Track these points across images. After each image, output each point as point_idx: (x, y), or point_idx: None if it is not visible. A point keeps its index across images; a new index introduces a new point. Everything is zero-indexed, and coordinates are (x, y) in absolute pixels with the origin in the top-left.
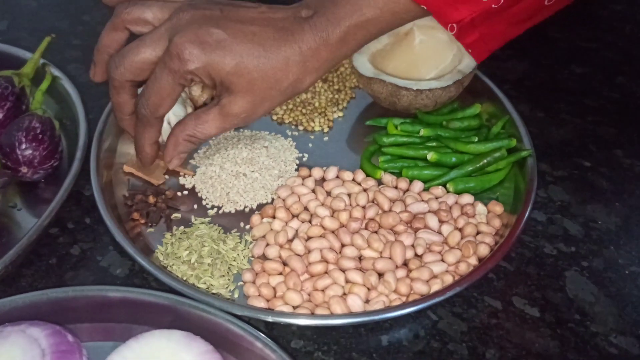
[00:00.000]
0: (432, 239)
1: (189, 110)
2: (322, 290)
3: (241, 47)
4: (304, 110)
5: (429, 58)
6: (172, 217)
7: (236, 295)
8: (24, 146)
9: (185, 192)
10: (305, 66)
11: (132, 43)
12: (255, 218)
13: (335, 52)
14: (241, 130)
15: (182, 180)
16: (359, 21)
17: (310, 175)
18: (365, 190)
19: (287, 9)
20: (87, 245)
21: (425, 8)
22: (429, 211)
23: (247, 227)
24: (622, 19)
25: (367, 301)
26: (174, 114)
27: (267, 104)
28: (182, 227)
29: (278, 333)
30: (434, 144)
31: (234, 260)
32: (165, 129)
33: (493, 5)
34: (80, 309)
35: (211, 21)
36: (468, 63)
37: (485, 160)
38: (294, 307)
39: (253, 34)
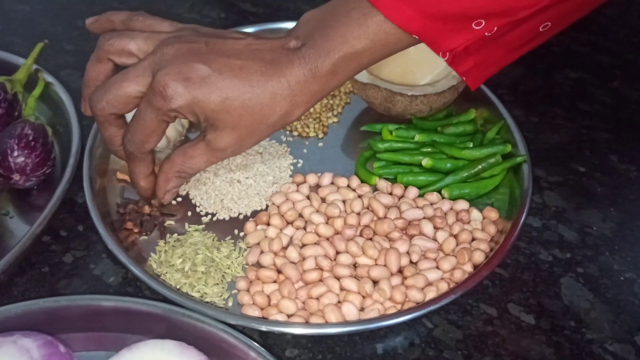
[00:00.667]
0: (427, 245)
1: (185, 122)
2: (317, 299)
3: (227, 83)
4: None
5: (423, 63)
6: (165, 224)
7: (230, 304)
8: (16, 153)
9: (179, 199)
10: (293, 100)
11: (114, 77)
12: (250, 225)
13: (325, 85)
14: None
15: None
16: (348, 53)
17: (304, 182)
18: (360, 196)
19: (275, 40)
20: (80, 253)
21: (417, 37)
22: (424, 218)
23: (242, 234)
24: (616, 24)
25: (362, 309)
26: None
27: (254, 137)
28: (175, 235)
29: (272, 342)
30: (429, 149)
31: (228, 268)
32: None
33: (486, 34)
34: (73, 318)
35: (196, 56)
36: None
37: (480, 166)
38: (289, 316)
39: (239, 68)
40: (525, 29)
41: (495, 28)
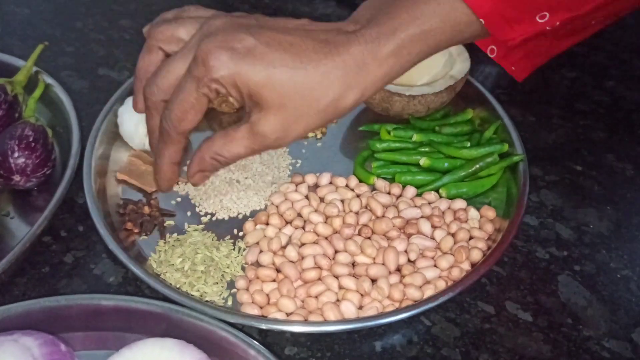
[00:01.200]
0: (425, 244)
1: None
2: (316, 297)
3: (274, 56)
4: None
5: (421, 64)
6: (165, 224)
7: (229, 303)
8: (16, 154)
9: (179, 199)
10: (348, 82)
11: (163, 62)
12: (249, 225)
13: (385, 68)
14: None
15: (175, 187)
16: (416, 32)
17: (303, 182)
18: (358, 196)
19: (332, 23)
20: (80, 253)
21: (483, 23)
22: (422, 217)
23: (241, 233)
24: (612, 23)
25: (360, 307)
26: None
27: (302, 124)
28: (175, 235)
29: (272, 340)
30: (427, 149)
31: (228, 267)
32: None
33: (547, 28)
34: (73, 317)
35: (243, 28)
36: (460, 68)
37: (477, 166)
38: (288, 314)
39: (289, 43)
40: (579, 23)
41: (558, 23)
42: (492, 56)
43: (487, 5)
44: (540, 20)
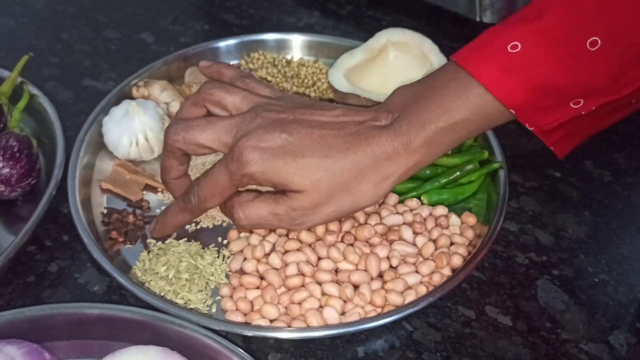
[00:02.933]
0: (407, 250)
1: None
2: (299, 303)
3: (305, 150)
4: None
5: (402, 73)
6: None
7: (214, 310)
8: (1, 165)
9: (163, 208)
10: (378, 170)
11: (201, 120)
12: (233, 233)
13: (417, 157)
14: None
15: (160, 196)
16: (446, 125)
17: None
18: None
19: (367, 112)
20: (64, 263)
21: (514, 112)
22: (404, 223)
23: (225, 241)
24: None
25: (343, 313)
26: (150, 129)
27: (332, 205)
28: (159, 243)
29: (256, 347)
30: None
31: (212, 275)
32: (143, 145)
33: (583, 112)
34: (58, 326)
35: (279, 125)
36: None
37: (458, 173)
38: (271, 321)
39: (321, 137)
40: (619, 104)
41: (593, 108)
42: (530, 129)
43: (517, 98)
44: (574, 106)
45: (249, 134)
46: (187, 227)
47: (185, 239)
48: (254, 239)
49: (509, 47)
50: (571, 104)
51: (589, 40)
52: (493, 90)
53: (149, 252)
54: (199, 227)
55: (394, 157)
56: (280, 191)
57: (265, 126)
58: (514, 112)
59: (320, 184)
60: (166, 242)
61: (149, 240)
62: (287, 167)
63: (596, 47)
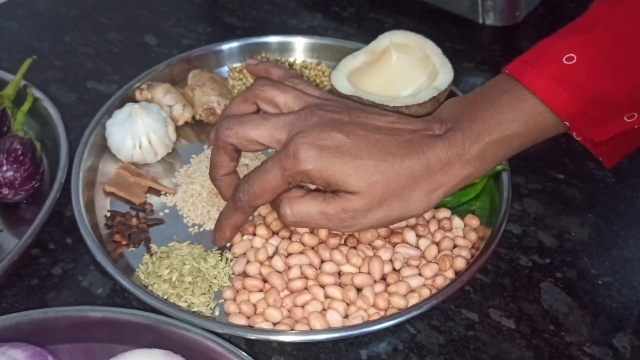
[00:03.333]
0: (410, 253)
1: (170, 129)
2: (302, 306)
3: (362, 152)
4: None
5: (405, 75)
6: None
7: (217, 313)
8: (5, 168)
9: (167, 211)
10: (431, 179)
11: (254, 115)
12: (236, 235)
13: (470, 169)
14: None
15: (163, 199)
16: (500, 137)
17: None
18: None
19: (419, 122)
20: (68, 266)
21: (568, 125)
22: (407, 226)
23: (228, 244)
24: None
25: (346, 316)
26: (153, 132)
27: (383, 210)
28: (162, 247)
29: (259, 350)
30: None
31: (215, 278)
32: (146, 148)
33: (636, 127)
34: (62, 329)
35: (336, 125)
36: (443, 79)
37: None
38: (274, 324)
39: (377, 141)
40: None
41: None
42: (578, 139)
43: (572, 109)
44: (628, 120)
45: (305, 131)
46: (190, 229)
47: (189, 241)
48: (257, 242)
49: (564, 59)
50: (625, 118)
51: None
52: (548, 101)
53: (151, 255)
54: (202, 230)
55: (448, 168)
56: (332, 191)
57: (321, 125)
58: (568, 124)
59: (376, 187)
60: (169, 244)
61: (151, 245)
62: (344, 166)
63: None
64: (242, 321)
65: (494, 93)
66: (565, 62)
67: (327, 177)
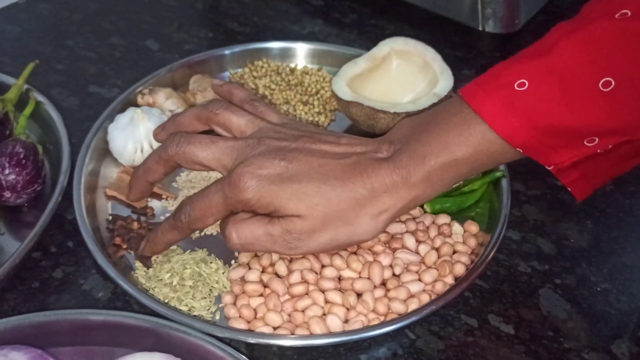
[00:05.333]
0: (410, 258)
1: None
2: (302, 311)
3: (302, 177)
4: None
5: (405, 81)
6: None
7: (217, 317)
8: (7, 171)
9: (168, 215)
10: (376, 202)
11: (203, 137)
12: None
13: (416, 192)
14: None
15: (164, 203)
16: (446, 160)
17: None
18: None
19: (368, 143)
20: (69, 269)
21: (520, 151)
22: (407, 231)
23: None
24: None
25: (346, 321)
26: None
27: (328, 234)
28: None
29: (259, 354)
30: None
31: (216, 282)
32: (148, 152)
33: (598, 151)
34: (62, 332)
35: (280, 153)
36: (444, 86)
37: (461, 181)
38: (274, 328)
39: (320, 165)
40: (636, 143)
41: (610, 146)
42: (550, 169)
43: (522, 135)
44: (589, 144)
45: (248, 160)
46: (191, 235)
47: (189, 250)
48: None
49: (515, 85)
50: (585, 142)
51: (601, 81)
52: (496, 127)
53: (143, 262)
54: (202, 234)
55: (393, 190)
56: (277, 216)
57: (266, 153)
58: (521, 151)
59: (316, 210)
60: (172, 248)
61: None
62: (282, 192)
63: (609, 88)
64: (242, 325)
65: (444, 115)
66: (516, 88)
67: (267, 204)
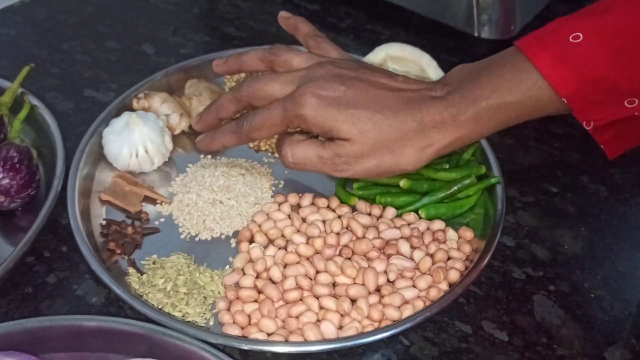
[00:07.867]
0: (404, 264)
1: (167, 138)
2: (296, 317)
3: (358, 102)
4: None
5: None
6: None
7: (211, 323)
8: (1, 175)
9: (162, 220)
10: (424, 136)
11: (268, 74)
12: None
13: (463, 131)
14: (218, 157)
15: (159, 208)
16: (496, 103)
17: (286, 201)
18: (339, 217)
19: (422, 83)
20: (63, 274)
21: (565, 102)
22: (401, 237)
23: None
24: None
25: (340, 327)
26: (150, 141)
27: (374, 160)
28: (154, 256)
29: None
30: None
31: (212, 290)
32: (143, 157)
33: (636, 113)
34: (56, 338)
35: (340, 78)
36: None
37: (455, 187)
38: (269, 334)
39: (376, 95)
40: None
41: None
42: (588, 128)
43: (570, 86)
44: (629, 105)
45: (311, 81)
46: (186, 239)
47: (185, 254)
48: (256, 252)
49: (570, 37)
50: (625, 103)
51: None
52: (547, 75)
53: (136, 269)
54: (197, 239)
55: (441, 127)
56: (329, 138)
57: (327, 77)
58: (565, 101)
59: (367, 136)
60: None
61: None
62: (338, 114)
63: None
64: (236, 331)
65: (499, 62)
66: (571, 40)
67: (321, 124)
